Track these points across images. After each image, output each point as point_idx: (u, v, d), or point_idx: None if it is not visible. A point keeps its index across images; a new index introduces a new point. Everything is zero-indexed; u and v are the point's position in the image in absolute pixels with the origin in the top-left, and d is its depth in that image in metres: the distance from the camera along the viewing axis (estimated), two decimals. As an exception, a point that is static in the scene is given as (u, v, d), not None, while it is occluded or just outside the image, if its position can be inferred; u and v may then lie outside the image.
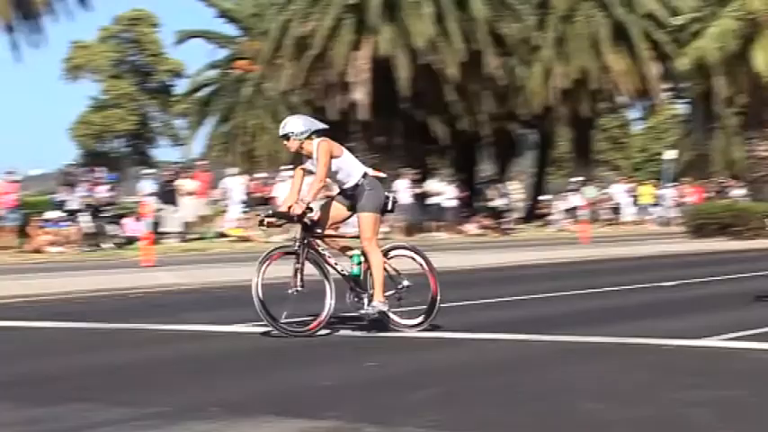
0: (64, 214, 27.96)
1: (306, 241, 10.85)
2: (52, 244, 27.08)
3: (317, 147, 10.76)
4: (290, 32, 42.77)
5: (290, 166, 36.75)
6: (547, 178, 53.09)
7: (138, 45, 71.45)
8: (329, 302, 10.74)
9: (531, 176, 52.52)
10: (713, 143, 51.33)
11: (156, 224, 28.38)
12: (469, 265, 21.67)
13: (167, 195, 30.41)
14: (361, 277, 10.98)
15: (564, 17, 47.17)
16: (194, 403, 7.50)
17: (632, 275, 18.39)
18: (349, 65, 41.71)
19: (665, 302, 14.48)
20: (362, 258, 10.95)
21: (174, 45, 60.75)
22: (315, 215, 10.95)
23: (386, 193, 11.12)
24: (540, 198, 48.37)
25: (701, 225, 32.60)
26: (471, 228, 37.37)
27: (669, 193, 45.15)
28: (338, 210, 11.07)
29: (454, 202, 37.22)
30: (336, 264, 11.00)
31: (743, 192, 43.21)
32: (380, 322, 10.98)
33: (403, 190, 35.86)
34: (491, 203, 39.54)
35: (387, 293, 10.92)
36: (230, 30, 56.70)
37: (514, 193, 42.36)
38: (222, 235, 31.54)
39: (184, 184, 31.42)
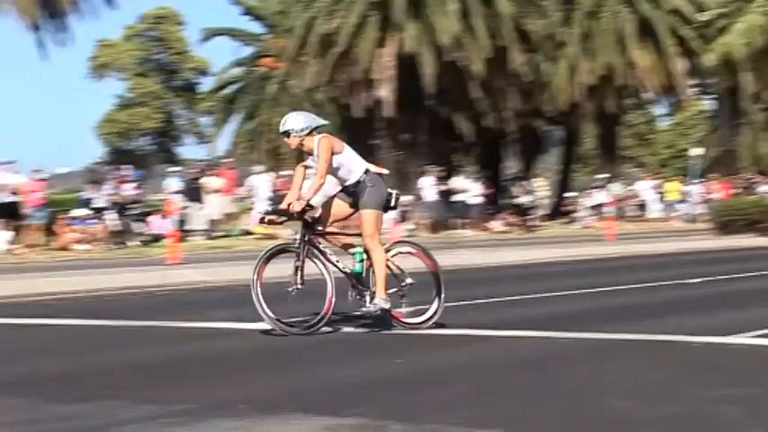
0: (90, 212, 28.06)
1: (307, 239, 10.76)
2: (79, 242, 27.19)
3: (318, 143, 10.69)
4: (315, 30, 42.80)
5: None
6: (572, 175, 52.94)
7: (164, 43, 71.66)
8: (330, 300, 10.60)
9: (557, 173, 52.38)
10: (740, 139, 51.02)
11: (181, 222, 28.47)
12: (495, 263, 21.65)
13: (193, 193, 30.48)
14: (364, 275, 10.87)
15: (589, 13, 47.03)
16: (221, 400, 7.51)
17: (658, 272, 18.32)
18: (374, 62, 41.71)
19: (691, 299, 14.42)
20: (365, 256, 10.83)
21: (200, 43, 60.95)
22: (316, 212, 10.88)
23: (388, 190, 11.01)
24: (566, 195, 48.23)
25: (727, 222, 32.44)
26: (496, 225, 37.31)
27: (695, 189, 44.95)
28: (340, 207, 10.97)
29: (479, 200, 37.17)
30: (338, 261, 10.87)
31: (770, 188, 42.96)
32: (384, 320, 10.89)
33: (428, 187, 35.88)
34: (516, 200, 39.46)
35: (389, 291, 10.82)
36: (255, 27, 56.83)
37: (540, 190, 42.28)
38: (248, 233, 31.59)
39: (210, 181, 31.49)
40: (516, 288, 15.75)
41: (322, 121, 11.04)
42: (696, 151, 48.29)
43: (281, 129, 10.89)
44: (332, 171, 10.79)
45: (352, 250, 10.97)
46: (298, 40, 43.51)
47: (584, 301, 14.17)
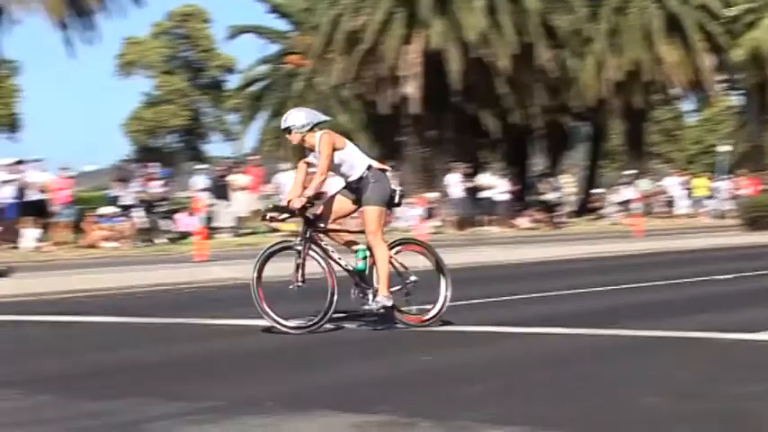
0: (118, 210, 28.17)
1: (308, 236, 10.68)
2: (107, 239, 27.30)
3: (319, 139, 10.60)
4: (341, 27, 42.84)
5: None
6: (599, 171, 52.80)
7: (190, 41, 71.89)
8: (331, 298, 10.52)
9: (584, 169, 52.25)
10: (768, 134, 50.79)
11: (208, 219, 28.54)
12: (521, 259, 21.61)
13: (220, 190, 30.56)
14: (366, 272, 10.75)
15: (617, 9, 46.90)
16: (249, 397, 7.53)
17: (687, 269, 18.25)
18: (400, 59, 41.71)
19: (720, 296, 14.35)
20: (367, 253, 10.71)
21: (226, 40, 61.06)
22: (317, 209, 10.80)
23: (392, 186, 10.90)
24: (593, 191, 48.11)
25: (755, 217, 32.27)
26: (523, 221, 37.25)
27: (723, 185, 44.77)
28: (342, 203, 10.86)
29: (506, 196, 37.11)
30: (340, 259, 10.76)
31: (799, 184, 42.73)
32: (387, 318, 10.81)
33: (454, 184, 35.85)
34: (543, 197, 39.38)
35: (393, 289, 10.70)
36: (281, 25, 56.90)
37: (567, 186, 42.20)
38: (275, 230, 31.61)
39: (237, 178, 31.55)
40: (543, 285, 15.70)
41: (324, 117, 10.95)
42: (724, 147, 48.12)
43: (283, 125, 10.82)
44: (334, 167, 10.68)
45: (354, 247, 10.85)
46: (324, 37, 43.54)
47: (611, 298, 14.12)
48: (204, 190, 30.42)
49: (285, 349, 9.99)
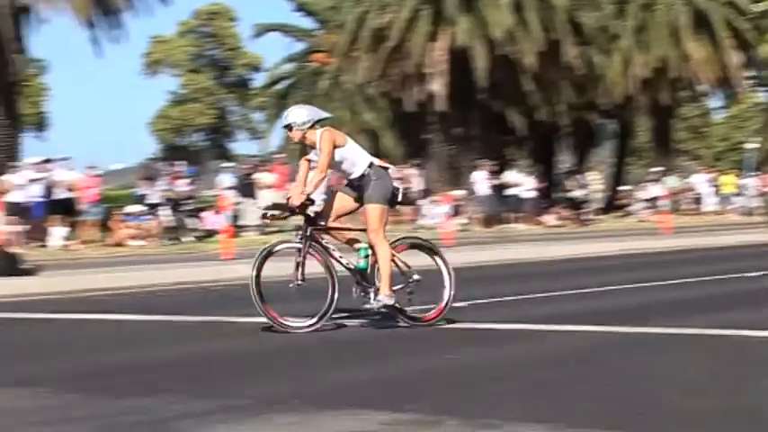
0: (145, 208, 28.26)
1: (308, 234, 10.59)
2: (133, 238, 27.39)
3: (320, 136, 10.51)
4: (367, 24, 42.83)
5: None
6: (626, 168, 52.62)
7: (217, 39, 72.07)
8: (332, 297, 10.47)
9: (611, 167, 52.10)
10: (796, 131, 50.56)
11: (235, 217, 28.57)
12: (548, 257, 21.56)
13: (246, 188, 30.60)
14: (368, 271, 10.65)
15: (644, 5, 46.74)
16: (276, 395, 7.52)
17: (715, 266, 18.15)
18: (426, 56, 41.68)
19: (748, 293, 14.26)
20: (370, 251, 10.61)
21: (252, 39, 61.24)
22: (318, 207, 10.71)
23: (394, 184, 10.79)
24: (620, 188, 47.97)
25: (784, 214, 32.11)
26: (550, 219, 37.16)
27: (751, 182, 44.54)
28: (344, 201, 10.77)
29: (532, 194, 37.01)
30: (341, 257, 10.67)
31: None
32: (389, 316, 10.74)
33: (481, 181, 35.79)
34: (570, 194, 39.28)
35: (395, 287, 10.60)
36: (307, 23, 57.02)
37: (593, 183, 42.06)
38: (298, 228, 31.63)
39: (263, 177, 31.59)
40: (570, 282, 15.66)
41: (325, 114, 10.89)
42: (751, 144, 47.84)
43: (283, 122, 10.76)
44: (335, 165, 10.62)
45: (356, 246, 10.77)
46: (350, 35, 43.55)
47: (639, 295, 14.06)
48: (230, 188, 30.47)
49: (313, 348, 9.98)
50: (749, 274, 16.46)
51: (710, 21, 46.04)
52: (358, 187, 10.68)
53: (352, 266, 10.70)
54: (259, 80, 67.55)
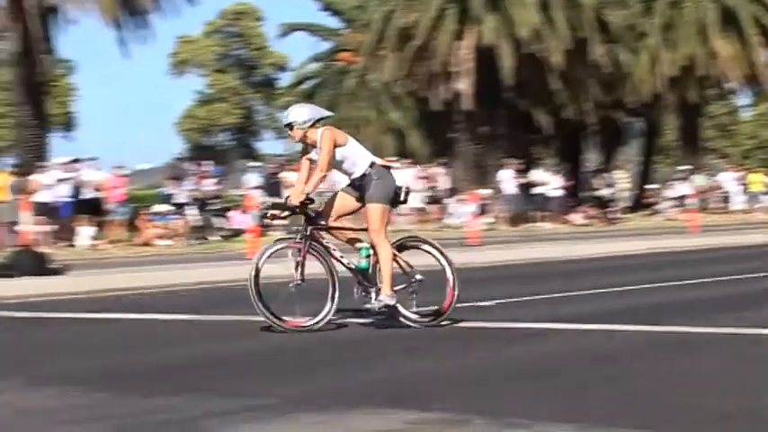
0: (172, 208, 28.35)
1: (308, 233, 10.53)
2: (161, 237, 27.47)
3: (321, 135, 10.46)
4: (393, 23, 42.84)
5: (395, 158, 36.84)
6: (653, 167, 52.44)
7: (243, 39, 72.25)
8: (333, 297, 10.43)
9: (638, 165, 51.92)
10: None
11: (261, 216, 28.61)
12: (576, 255, 21.49)
13: (272, 188, 30.64)
14: (370, 271, 10.57)
15: (671, 3, 46.57)
16: (303, 394, 7.52)
17: (744, 264, 18.04)
18: (452, 55, 41.65)
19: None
20: (371, 251, 10.54)
21: (278, 38, 61.33)
22: (318, 206, 10.66)
23: (397, 183, 10.69)
24: (647, 187, 47.80)
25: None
26: (577, 217, 37.08)
27: (780, 180, 44.31)
28: (346, 200, 10.71)
29: (559, 192, 36.95)
30: (342, 257, 10.62)
31: None
32: (391, 316, 10.68)
33: (507, 180, 35.74)
34: (597, 193, 39.18)
35: (397, 287, 10.53)
36: (333, 22, 57.09)
37: (620, 182, 41.94)
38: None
39: (289, 176, 31.60)
40: (597, 281, 15.60)
41: (326, 113, 10.86)
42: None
43: (284, 121, 10.72)
44: (336, 164, 10.57)
45: (358, 245, 10.71)
46: (376, 33, 43.57)
47: (667, 294, 13.99)
48: (257, 188, 30.53)
49: (341, 346, 9.98)
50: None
51: (738, 18, 45.82)
52: (359, 187, 10.62)
53: (353, 266, 10.65)
54: (285, 80, 67.76)
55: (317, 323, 10.45)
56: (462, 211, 32.48)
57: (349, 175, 10.68)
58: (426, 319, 10.71)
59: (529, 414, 6.69)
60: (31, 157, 30.99)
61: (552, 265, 19.96)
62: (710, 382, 7.80)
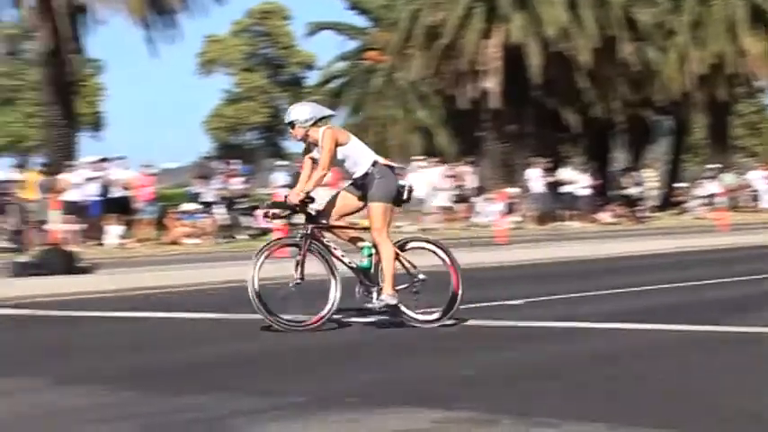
0: (199, 206, 28.41)
1: (309, 232, 10.52)
2: (189, 236, 27.54)
3: (323, 134, 10.45)
4: (421, 22, 42.79)
5: (422, 157, 36.82)
6: (682, 165, 52.20)
7: (270, 38, 72.30)
8: (333, 297, 10.41)
9: (667, 164, 51.69)
10: None
11: (289, 215, 28.63)
12: (603, 254, 21.41)
13: (300, 187, 30.64)
14: (372, 270, 10.52)
15: (700, 0, 46.31)
16: (331, 393, 7.52)
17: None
18: (480, 53, 41.56)
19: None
20: (373, 251, 10.50)
21: (305, 37, 61.33)
22: (319, 205, 10.63)
23: (400, 182, 10.66)
24: (676, 185, 47.58)
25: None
26: (605, 216, 36.94)
27: (809, 179, 44.01)
28: (348, 200, 10.70)
29: (587, 191, 36.82)
30: (344, 256, 10.59)
31: None
32: (393, 316, 10.63)
33: (535, 178, 35.64)
34: (625, 191, 39.02)
35: (399, 287, 10.46)
36: (360, 21, 57.08)
37: (649, 180, 41.77)
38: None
39: (317, 175, 31.62)
40: (626, 280, 15.53)
41: (328, 112, 10.85)
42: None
43: (286, 119, 10.69)
44: (338, 163, 10.56)
45: (360, 244, 10.67)
46: (403, 32, 43.54)
47: (695, 293, 13.92)
48: (285, 186, 30.51)
49: (369, 345, 9.97)
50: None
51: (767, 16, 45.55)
52: (361, 186, 10.60)
53: (354, 265, 10.62)
54: (312, 78, 67.75)
55: (316, 322, 10.42)
56: (490, 209, 32.41)
57: (351, 174, 10.66)
58: (430, 319, 10.63)
59: (557, 413, 6.66)
60: (60, 157, 31.12)
61: (580, 263, 19.89)
62: (740, 382, 7.74)
